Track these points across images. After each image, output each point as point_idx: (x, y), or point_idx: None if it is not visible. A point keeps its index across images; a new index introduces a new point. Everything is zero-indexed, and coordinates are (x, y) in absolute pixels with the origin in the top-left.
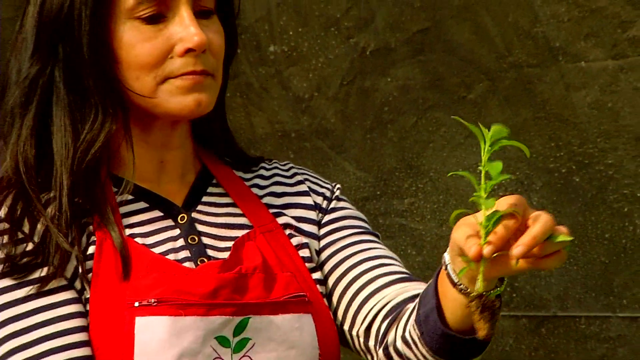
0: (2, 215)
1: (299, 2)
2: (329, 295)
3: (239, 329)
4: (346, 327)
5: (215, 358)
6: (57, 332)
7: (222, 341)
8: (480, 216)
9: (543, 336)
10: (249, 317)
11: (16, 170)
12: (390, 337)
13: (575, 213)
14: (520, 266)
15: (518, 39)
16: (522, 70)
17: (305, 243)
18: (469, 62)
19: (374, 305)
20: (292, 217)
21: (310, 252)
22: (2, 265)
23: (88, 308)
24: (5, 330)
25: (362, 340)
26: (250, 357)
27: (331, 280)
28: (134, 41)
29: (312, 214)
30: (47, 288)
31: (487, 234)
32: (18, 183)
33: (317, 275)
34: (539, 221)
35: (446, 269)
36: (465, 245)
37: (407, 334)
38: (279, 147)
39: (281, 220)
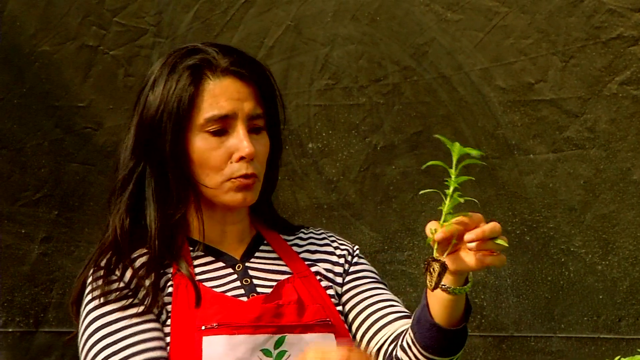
0: (102, 265)
1: (330, 113)
2: (349, 324)
3: (278, 343)
4: (361, 348)
5: None
6: (139, 340)
7: (266, 352)
8: (443, 213)
9: (504, 350)
10: (285, 335)
11: (115, 234)
12: (393, 352)
13: (526, 262)
14: (471, 263)
15: (485, 138)
16: (488, 161)
17: (331, 285)
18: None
19: (384, 334)
20: (323, 269)
21: (334, 292)
22: (98, 300)
23: (168, 331)
24: (97, 335)
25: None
26: None
27: (352, 314)
28: (204, 149)
29: (338, 269)
30: (130, 312)
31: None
32: (115, 244)
33: (339, 308)
34: (489, 224)
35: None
36: (428, 229)
37: (404, 342)
38: (315, 215)
39: (314, 269)
